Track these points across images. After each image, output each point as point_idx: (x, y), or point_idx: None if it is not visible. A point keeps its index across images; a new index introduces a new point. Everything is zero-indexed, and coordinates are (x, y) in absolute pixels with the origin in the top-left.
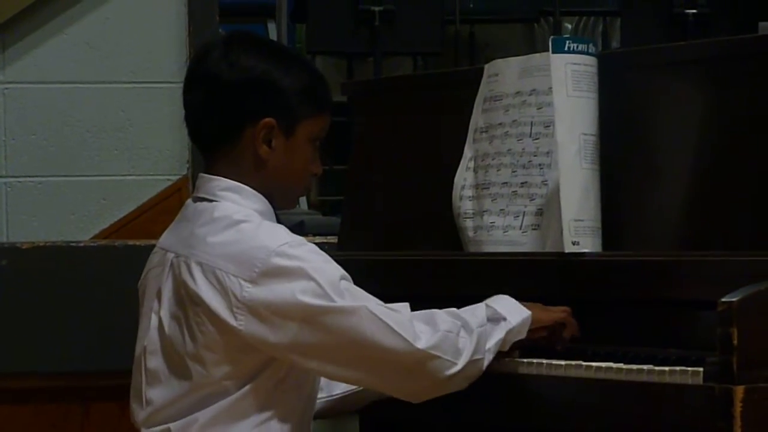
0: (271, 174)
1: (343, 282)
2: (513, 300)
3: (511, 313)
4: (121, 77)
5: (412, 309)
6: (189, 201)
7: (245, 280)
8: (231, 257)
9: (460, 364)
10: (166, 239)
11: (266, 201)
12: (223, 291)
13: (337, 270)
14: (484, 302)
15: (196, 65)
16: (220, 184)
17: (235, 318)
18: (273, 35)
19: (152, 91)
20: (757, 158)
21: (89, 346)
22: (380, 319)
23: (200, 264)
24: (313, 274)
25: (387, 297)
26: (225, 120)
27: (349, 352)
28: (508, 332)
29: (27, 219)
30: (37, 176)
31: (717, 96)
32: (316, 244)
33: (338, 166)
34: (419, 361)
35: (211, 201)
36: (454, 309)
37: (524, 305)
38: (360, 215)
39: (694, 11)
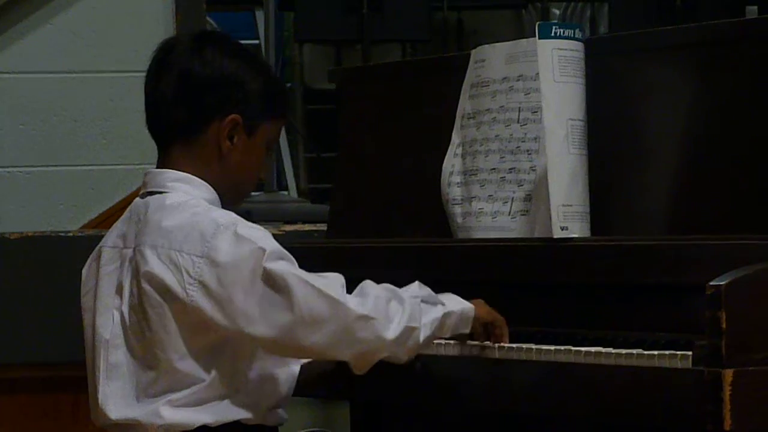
0: (228, 169)
1: (285, 258)
2: (455, 296)
3: (450, 301)
4: (109, 66)
5: None
6: (136, 200)
7: (197, 256)
8: (183, 237)
9: (393, 327)
10: (116, 238)
11: (215, 193)
12: (177, 269)
13: (279, 247)
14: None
15: (164, 56)
16: (170, 175)
17: (186, 293)
18: (261, 23)
19: (140, 80)
20: (744, 142)
21: (79, 336)
22: (309, 284)
23: (154, 247)
24: (258, 242)
25: (377, 283)
26: (194, 112)
27: (290, 323)
28: (446, 315)
29: (15, 209)
30: (25, 166)
31: (704, 80)
32: (306, 231)
33: (327, 154)
34: (351, 323)
35: (162, 192)
36: (387, 284)
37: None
38: (349, 203)
39: None
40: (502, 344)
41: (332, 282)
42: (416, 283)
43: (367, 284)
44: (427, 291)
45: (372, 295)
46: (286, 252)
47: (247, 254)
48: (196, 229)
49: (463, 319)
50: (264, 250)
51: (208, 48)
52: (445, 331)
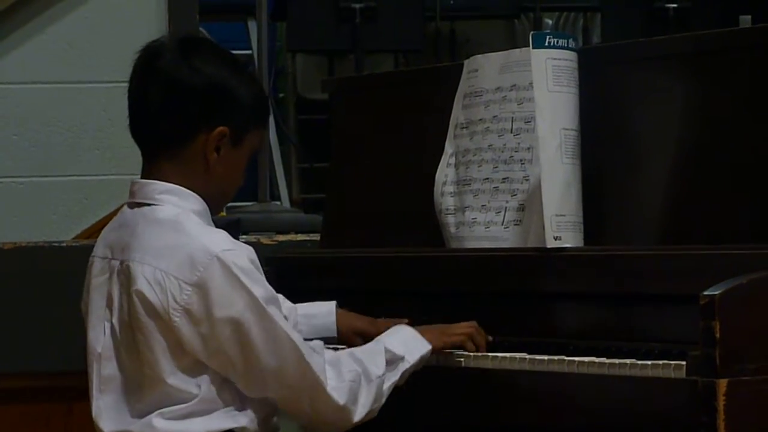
0: (214, 179)
1: (275, 304)
2: (413, 333)
3: (410, 350)
4: (102, 77)
5: (397, 306)
6: (125, 207)
7: (185, 282)
8: (172, 258)
9: (358, 414)
10: (104, 248)
11: (203, 203)
12: (162, 291)
13: (270, 290)
14: (383, 343)
15: (149, 63)
16: (157, 187)
17: (170, 316)
18: (253, 34)
19: None
20: (737, 152)
21: (72, 346)
22: (302, 355)
23: (141, 264)
24: (251, 287)
25: (370, 294)
26: (182, 122)
27: (266, 372)
28: (405, 371)
29: (9, 219)
30: (18, 176)
31: (697, 90)
32: (299, 242)
33: (319, 164)
34: (325, 406)
35: (150, 205)
36: (357, 351)
37: (425, 329)
38: (342, 213)
39: (675, 5)
40: (485, 353)
41: (318, 358)
42: (382, 347)
43: (343, 361)
44: (390, 351)
45: (347, 380)
46: (274, 294)
47: (238, 297)
48: (184, 253)
49: (420, 364)
50: (256, 297)
51: (196, 55)
52: (401, 382)
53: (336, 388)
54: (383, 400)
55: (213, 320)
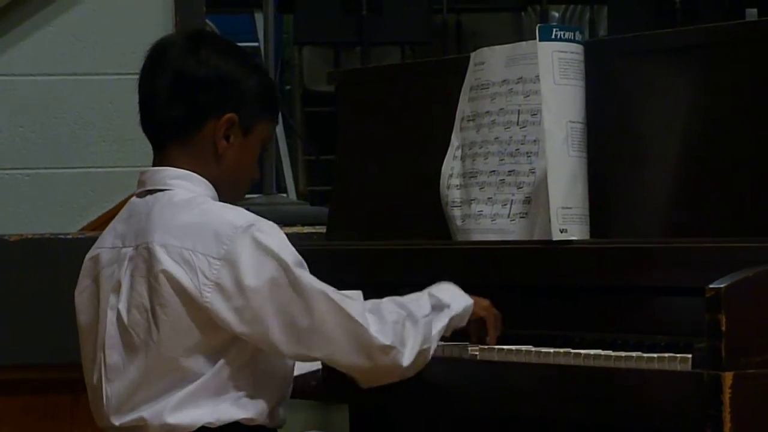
0: (224, 168)
1: (304, 267)
2: (455, 287)
3: (454, 299)
4: (108, 69)
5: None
6: (133, 198)
7: (213, 258)
8: (197, 235)
9: (407, 354)
10: (113, 239)
11: (214, 191)
12: (191, 269)
13: (297, 254)
14: (427, 290)
15: (159, 57)
16: (169, 173)
17: (201, 293)
18: (260, 26)
19: None
20: (744, 145)
21: (78, 338)
22: (337, 305)
23: (164, 246)
24: (280, 253)
25: (376, 286)
26: (190, 111)
27: (307, 332)
28: (452, 318)
29: (15, 211)
30: (25, 168)
31: (704, 83)
32: (305, 234)
33: (326, 156)
34: (372, 349)
35: (163, 190)
36: (399, 298)
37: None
38: (348, 205)
39: None
40: (491, 346)
41: (356, 303)
42: (426, 293)
43: (385, 306)
44: (435, 297)
45: (390, 321)
46: (302, 259)
47: (267, 263)
48: (209, 228)
49: (464, 316)
50: (286, 261)
51: (203, 48)
52: (448, 332)
53: (380, 331)
54: (434, 344)
55: (245, 290)
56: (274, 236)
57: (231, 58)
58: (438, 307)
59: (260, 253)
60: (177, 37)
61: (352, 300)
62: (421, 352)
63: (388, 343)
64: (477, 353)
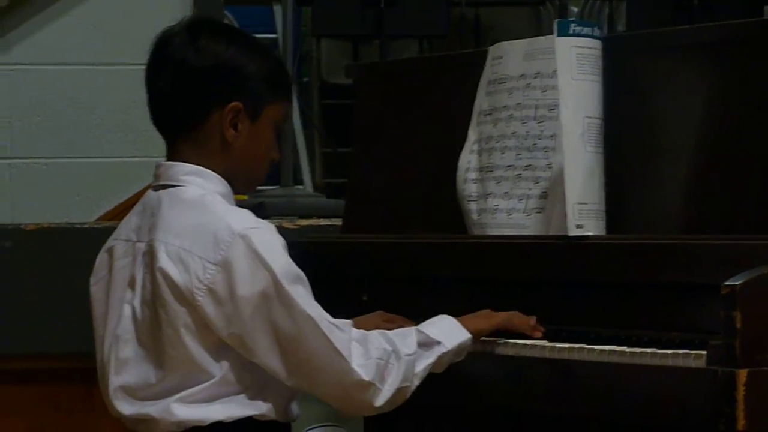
0: (236, 157)
1: (299, 283)
2: (452, 321)
3: (448, 336)
4: (127, 59)
5: (418, 292)
6: (149, 191)
7: (209, 262)
8: (196, 237)
9: (385, 391)
10: (128, 231)
11: (227, 185)
12: (186, 270)
13: (293, 267)
14: (418, 326)
15: (161, 50)
16: (182, 169)
17: (194, 296)
18: (279, 18)
19: None
20: (761, 142)
21: (92, 328)
22: (323, 333)
23: (165, 244)
24: (272, 264)
25: (391, 279)
26: (193, 104)
27: (290, 355)
28: (442, 356)
29: (31, 200)
30: (41, 158)
31: (722, 79)
32: (321, 226)
33: (343, 149)
34: (350, 383)
35: (175, 186)
36: (388, 332)
37: (466, 317)
38: (364, 198)
39: None
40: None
41: (343, 334)
42: (415, 329)
43: (372, 339)
44: (424, 334)
45: (374, 357)
46: (299, 272)
47: (260, 274)
48: (208, 232)
49: (460, 352)
50: (278, 274)
51: (202, 36)
52: (439, 368)
53: (362, 365)
54: (416, 381)
55: (236, 298)
56: (270, 245)
57: (232, 44)
58: (426, 344)
59: (254, 264)
60: (178, 27)
61: (340, 330)
62: (400, 390)
63: (368, 379)
64: (491, 348)
